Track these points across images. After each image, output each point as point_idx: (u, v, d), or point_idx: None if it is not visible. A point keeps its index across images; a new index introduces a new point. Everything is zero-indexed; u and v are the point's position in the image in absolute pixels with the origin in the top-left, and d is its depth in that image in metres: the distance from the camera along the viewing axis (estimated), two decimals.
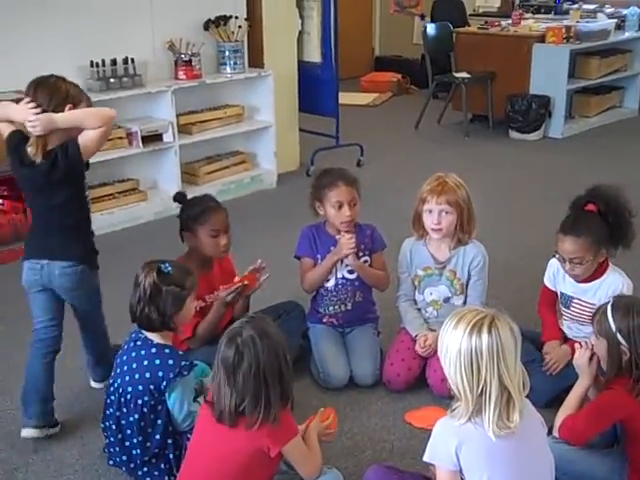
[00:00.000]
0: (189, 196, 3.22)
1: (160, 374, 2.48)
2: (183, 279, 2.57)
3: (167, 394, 2.50)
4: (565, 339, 3.08)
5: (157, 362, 2.49)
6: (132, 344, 2.58)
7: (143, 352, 2.53)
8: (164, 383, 2.48)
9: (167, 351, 2.53)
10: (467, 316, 1.99)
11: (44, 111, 2.63)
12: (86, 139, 2.67)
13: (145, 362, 2.50)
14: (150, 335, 2.57)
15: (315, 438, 2.41)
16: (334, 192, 3.15)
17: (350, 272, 3.24)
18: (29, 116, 2.63)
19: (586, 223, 2.84)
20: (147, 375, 2.49)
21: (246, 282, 3.05)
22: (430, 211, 3.06)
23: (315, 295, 3.33)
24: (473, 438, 1.98)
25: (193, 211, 3.08)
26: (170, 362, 2.49)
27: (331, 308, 3.29)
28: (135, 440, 2.53)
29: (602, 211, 2.85)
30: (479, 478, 1.99)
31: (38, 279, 2.81)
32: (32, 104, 2.64)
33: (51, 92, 2.67)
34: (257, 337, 2.14)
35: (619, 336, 2.33)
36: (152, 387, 2.49)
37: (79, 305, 2.92)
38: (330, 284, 3.26)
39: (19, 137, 2.72)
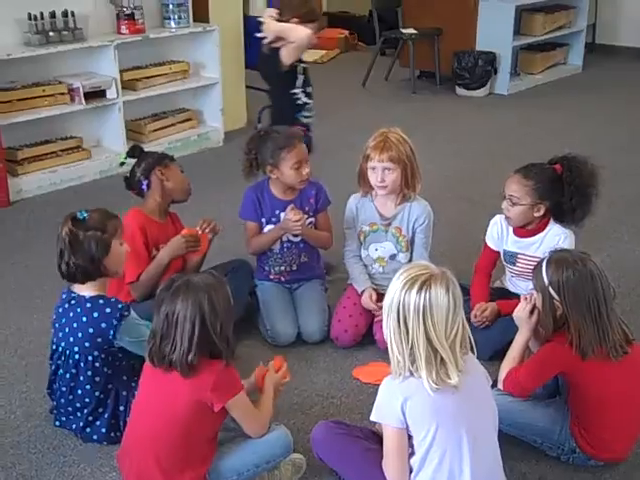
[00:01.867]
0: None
1: (103, 325, 2.46)
2: (103, 222, 2.51)
3: (119, 341, 2.49)
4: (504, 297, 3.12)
5: (95, 315, 2.47)
6: (66, 305, 2.54)
7: (79, 309, 2.50)
8: (111, 332, 2.47)
9: (101, 302, 2.50)
10: (410, 270, 2.01)
11: (279, 19, 3.54)
12: (285, 49, 3.49)
13: (84, 319, 2.48)
14: (81, 290, 2.54)
15: (272, 393, 2.41)
16: (293, 153, 3.09)
17: (295, 235, 3.23)
18: (264, 20, 3.60)
19: (541, 172, 2.91)
20: (90, 330, 2.47)
21: (199, 237, 3.05)
22: (374, 169, 3.05)
23: (261, 254, 3.31)
24: (418, 392, 2.00)
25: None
26: (108, 310, 2.47)
27: (277, 268, 3.29)
28: (88, 399, 2.53)
29: (563, 175, 2.90)
30: (426, 432, 2.02)
31: None
32: (270, 11, 3.58)
33: (287, 4, 3.57)
34: (199, 288, 2.13)
35: (551, 289, 2.37)
36: (100, 340, 2.48)
37: None
38: (276, 247, 3.25)
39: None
